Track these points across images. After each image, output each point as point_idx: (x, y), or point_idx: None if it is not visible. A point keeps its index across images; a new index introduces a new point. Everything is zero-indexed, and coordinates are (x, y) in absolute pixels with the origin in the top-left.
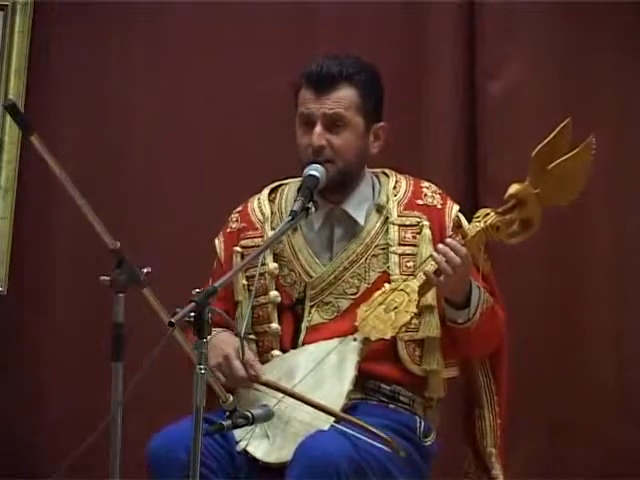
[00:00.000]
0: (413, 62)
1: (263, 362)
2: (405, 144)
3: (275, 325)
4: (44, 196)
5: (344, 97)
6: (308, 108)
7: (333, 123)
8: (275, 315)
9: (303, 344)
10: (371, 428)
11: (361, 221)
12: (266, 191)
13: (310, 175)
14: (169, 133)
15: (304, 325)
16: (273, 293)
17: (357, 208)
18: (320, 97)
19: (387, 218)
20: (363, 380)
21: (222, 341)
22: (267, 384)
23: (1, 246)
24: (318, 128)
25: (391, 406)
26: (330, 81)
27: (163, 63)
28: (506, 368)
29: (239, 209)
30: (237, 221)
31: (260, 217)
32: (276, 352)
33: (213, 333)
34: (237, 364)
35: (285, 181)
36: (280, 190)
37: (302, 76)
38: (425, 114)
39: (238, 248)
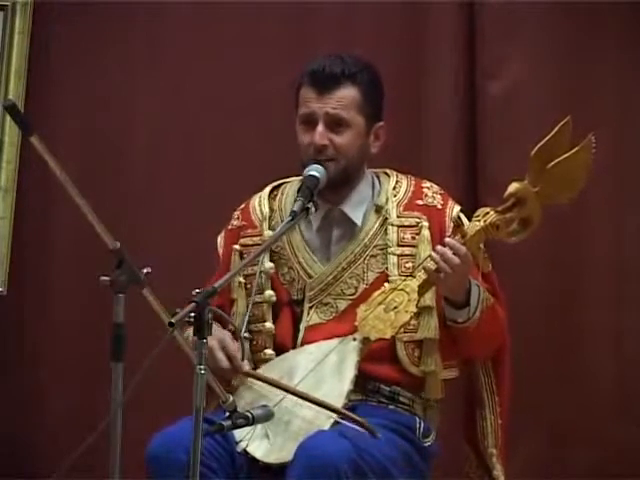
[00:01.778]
0: (413, 62)
1: (256, 361)
2: (405, 144)
3: (269, 324)
4: (44, 196)
5: (346, 96)
6: (310, 107)
7: (335, 123)
8: (270, 314)
9: (302, 344)
10: (351, 415)
11: (358, 222)
12: (267, 189)
13: (310, 175)
14: (169, 133)
15: (303, 326)
16: (268, 292)
17: (355, 209)
18: (322, 96)
19: (386, 219)
20: (363, 381)
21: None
22: (249, 374)
23: (1, 247)
24: (320, 127)
25: (391, 407)
26: (332, 80)
27: (163, 63)
28: (508, 368)
29: (242, 207)
30: (238, 219)
31: (259, 216)
32: (269, 351)
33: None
34: (220, 355)
35: (287, 179)
36: (282, 188)
37: (303, 74)
38: (425, 114)
39: (237, 246)
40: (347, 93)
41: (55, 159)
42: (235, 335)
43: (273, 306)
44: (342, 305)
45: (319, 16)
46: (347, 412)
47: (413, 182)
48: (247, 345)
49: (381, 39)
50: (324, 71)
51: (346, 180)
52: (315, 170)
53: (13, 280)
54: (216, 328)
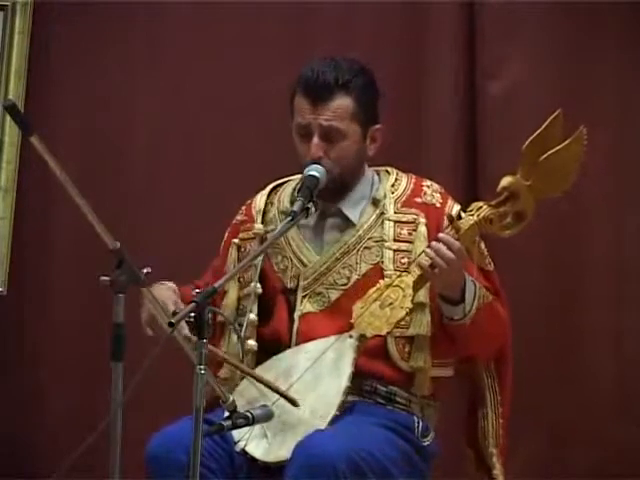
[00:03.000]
0: (413, 62)
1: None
2: (405, 144)
3: (253, 316)
4: (44, 196)
5: (340, 106)
6: (305, 118)
7: (330, 134)
8: (255, 306)
9: (297, 333)
10: (271, 384)
11: (355, 220)
12: (269, 187)
13: (310, 175)
14: (169, 133)
15: (297, 315)
16: (253, 285)
17: (353, 207)
18: (316, 107)
19: (382, 213)
20: (359, 381)
21: (159, 294)
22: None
23: (1, 247)
24: (315, 139)
25: (388, 407)
26: (326, 90)
27: (163, 63)
28: (510, 368)
29: (248, 202)
30: (242, 214)
31: (256, 210)
32: (251, 342)
33: (155, 285)
34: (172, 309)
35: (290, 177)
36: (284, 186)
37: (297, 82)
38: (425, 114)
39: (236, 240)
40: (341, 103)
41: (55, 159)
42: (223, 326)
43: (267, 295)
44: (334, 295)
45: (319, 16)
46: (270, 382)
47: (413, 180)
48: (234, 337)
49: (381, 39)
50: (317, 80)
51: (343, 185)
52: (315, 170)
53: (13, 280)
54: (164, 287)
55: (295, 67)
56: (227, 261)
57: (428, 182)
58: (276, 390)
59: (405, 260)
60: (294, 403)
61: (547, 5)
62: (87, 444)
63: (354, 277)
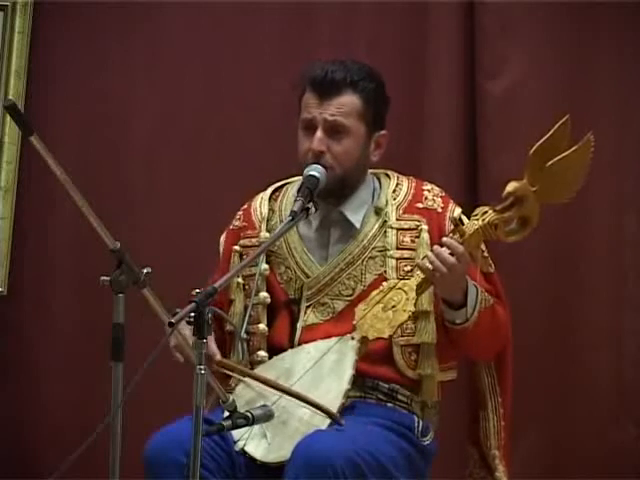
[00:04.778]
0: (413, 62)
1: (251, 362)
2: (405, 144)
3: (262, 326)
4: (44, 196)
5: (346, 103)
6: (310, 112)
7: (334, 129)
8: (264, 316)
9: (299, 343)
10: (317, 402)
11: (358, 225)
12: (269, 190)
13: (310, 175)
14: (169, 133)
15: (299, 325)
16: (263, 294)
17: (355, 212)
18: (323, 102)
19: (385, 221)
20: (362, 379)
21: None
22: (223, 364)
23: (1, 247)
24: (319, 133)
25: (389, 405)
26: (334, 86)
27: (163, 63)
28: (511, 370)
29: (244, 207)
30: (240, 219)
31: (259, 217)
32: (262, 353)
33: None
34: None
35: (290, 180)
36: (284, 189)
37: (306, 80)
38: (425, 114)
39: (237, 247)
40: (348, 100)
41: (55, 159)
42: (233, 335)
43: (271, 306)
44: (339, 306)
45: (319, 16)
46: (314, 400)
47: (413, 184)
48: (244, 346)
49: (381, 39)
50: (326, 77)
51: (344, 188)
52: (315, 170)
53: (13, 280)
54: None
55: (295, 67)
56: (231, 269)
57: (428, 186)
58: (315, 405)
59: (408, 268)
60: (338, 421)
61: (547, 5)
62: (87, 444)
63: (359, 288)
